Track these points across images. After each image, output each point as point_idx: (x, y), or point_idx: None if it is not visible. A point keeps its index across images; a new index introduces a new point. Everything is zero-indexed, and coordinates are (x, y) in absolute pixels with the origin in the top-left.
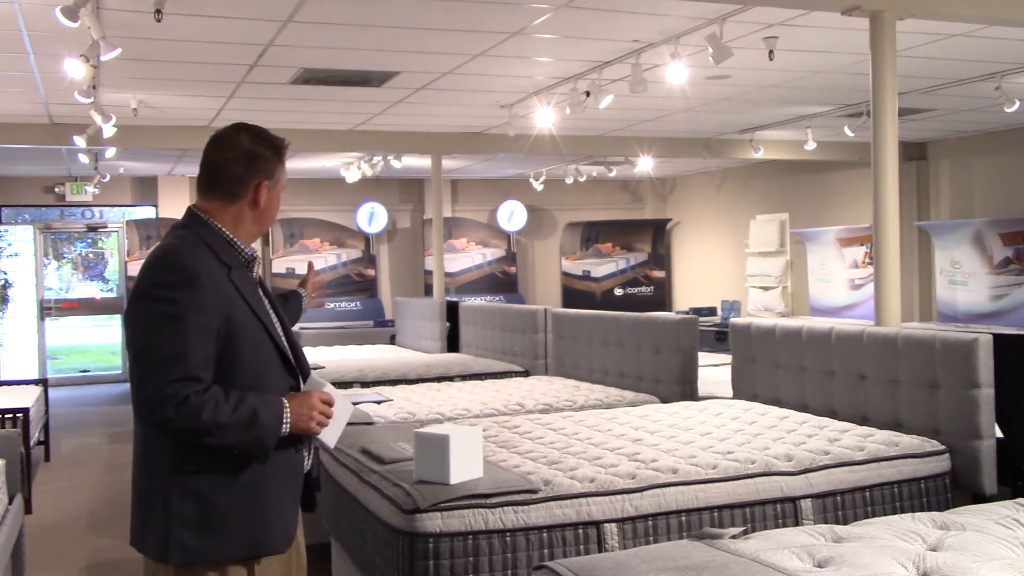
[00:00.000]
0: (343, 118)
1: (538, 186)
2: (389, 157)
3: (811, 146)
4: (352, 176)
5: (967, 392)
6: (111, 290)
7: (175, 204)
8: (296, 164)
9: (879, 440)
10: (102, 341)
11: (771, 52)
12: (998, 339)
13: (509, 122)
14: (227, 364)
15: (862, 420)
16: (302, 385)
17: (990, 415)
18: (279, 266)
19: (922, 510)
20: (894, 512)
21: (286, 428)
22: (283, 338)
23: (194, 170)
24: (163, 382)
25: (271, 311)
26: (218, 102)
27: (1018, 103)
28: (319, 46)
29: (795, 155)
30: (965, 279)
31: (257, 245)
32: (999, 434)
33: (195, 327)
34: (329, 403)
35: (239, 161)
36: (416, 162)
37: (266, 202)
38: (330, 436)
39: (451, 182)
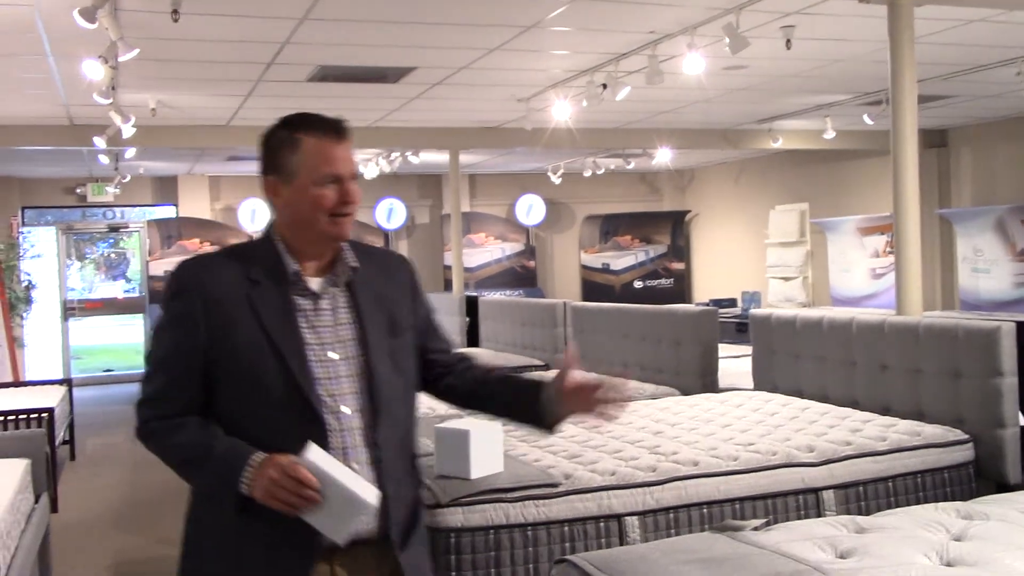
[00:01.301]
0: (361, 115)
1: (556, 179)
2: (407, 153)
3: (830, 135)
4: (370, 172)
5: (990, 381)
6: (133, 289)
7: (195, 203)
8: None
9: (901, 430)
10: (125, 340)
11: (788, 41)
12: (1021, 326)
13: (526, 116)
14: (212, 390)
15: (884, 410)
16: (330, 435)
17: (1014, 404)
18: None
19: (946, 500)
20: (917, 502)
21: (245, 487)
22: (308, 374)
23: (213, 169)
24: (139, 399)
25: (355, 341)
26: (236, 101)
27: None
28: (335, 43)
29: (814, 144)
30: (987, 267)
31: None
32: (1023, 422)
33: (174, 342)
34: (301, 480)
35: (260, 159)
36: (434, 157)
37: (290, 202)
38: (328, 524)
39: (469, 177)
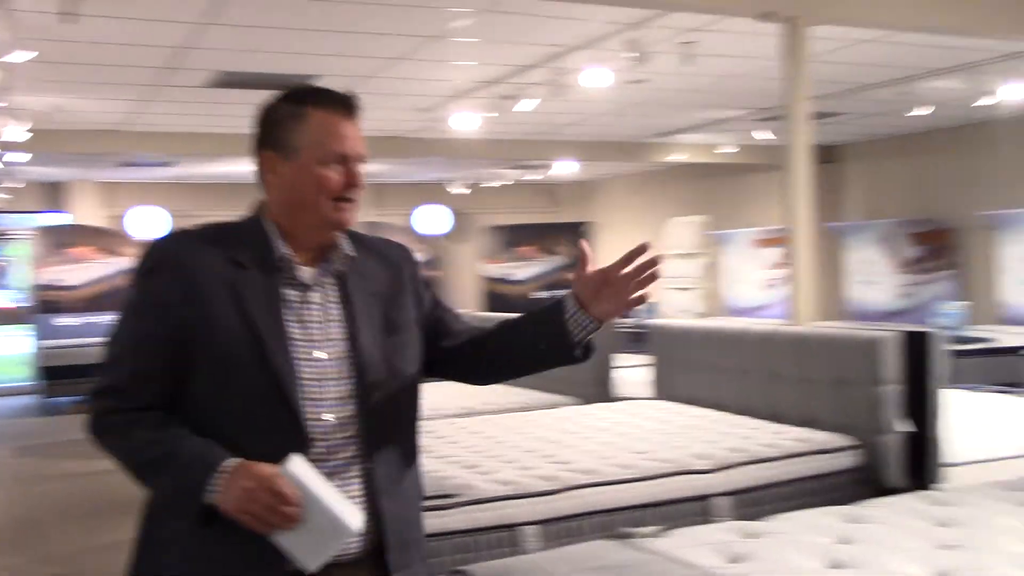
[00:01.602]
0: None
1: (460, 190)
2: None
3: (727, 150)
4: None
5: (875, 389)
6: (19, 300)
7: (88, 210)
8: (212, 169)
9: (792, 437)
10: (9, 352)
11: (689, 57)
12: (907, 336)
13: (430, 126)
14: (181, 384)
15: (776, 417)
16: (313, 443)
17: (897, 410)
18: None
19: (833, 504)
20: (806, 507)
21: (209, 496)
22: (291, 373)
23: (106, 175)
24: (95, 388)
25: (348, 336)
26: (133, 105)
27: (926, 108)
28: (236, 49)
29: (712, 158)
30: (875, 279)
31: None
32: (909, 428)
33: (142, 327)
34: (281, 494)
35: (256, 132)
36: None
37: (289, 181)
38: (302, 548)
39: (375, 186)
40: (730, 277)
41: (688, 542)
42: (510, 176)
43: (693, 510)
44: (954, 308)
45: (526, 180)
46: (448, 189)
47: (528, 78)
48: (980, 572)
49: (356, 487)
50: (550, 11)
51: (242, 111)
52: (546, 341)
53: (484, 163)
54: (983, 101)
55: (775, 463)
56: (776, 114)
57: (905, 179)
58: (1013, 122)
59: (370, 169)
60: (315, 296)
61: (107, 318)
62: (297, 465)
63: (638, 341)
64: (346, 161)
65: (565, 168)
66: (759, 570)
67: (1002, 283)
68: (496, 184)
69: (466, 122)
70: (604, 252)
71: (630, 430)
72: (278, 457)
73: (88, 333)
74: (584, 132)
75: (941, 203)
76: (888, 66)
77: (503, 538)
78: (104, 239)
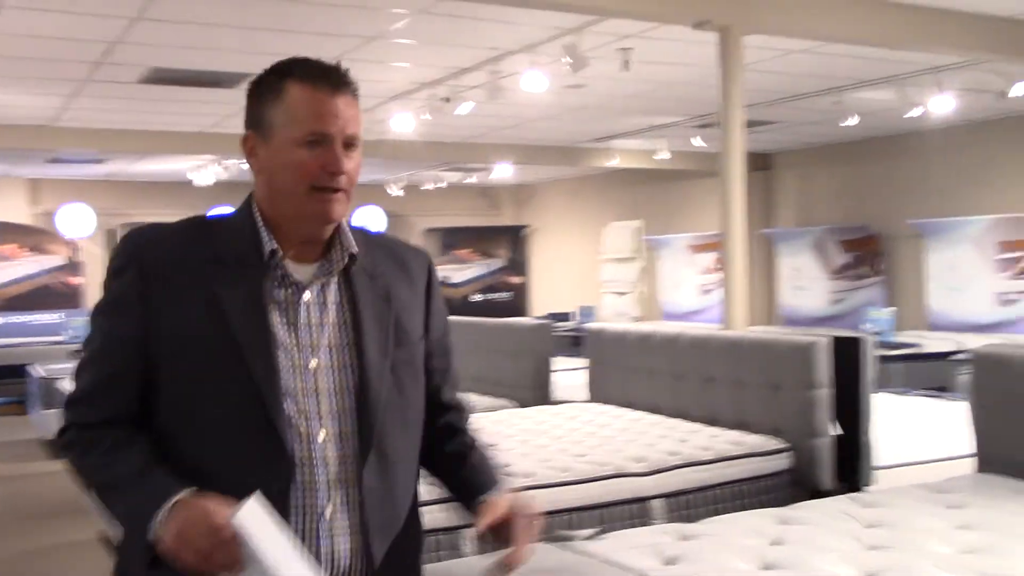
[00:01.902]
0: (195, 119)
1: (397, 192)
2: (239, 161)
3: (663, 155)
4: (202, 179)
5: (807, 392)
6: None
7: (12, 208)
8: (144, 167)
9: (726, 440)
10: None
11: (626, 63)
12: (837, 341)
13: (367, 127)
14: (151, 397)
15: (711, 421)
16: (298, 469)
17: (828, 414)
18: None
19: (766, 506)
20: (740, 509)
21: (153, 532)
22: (275, 383)
23: (33, 171)
24: (66, 398)
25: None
26: (61, 101)
27: (857, 118)
28: (169, 45)
29: (649, 164)
30: (807, 284)
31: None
32: (839, 431)
33: (107, 332)
34: (220, 539)
35: (245, 111)
36: None
37: (267, 165)
38: None
39: None
40: (666, 282)
41: (624, 544)
42: (447, 179)
43: (629, 513)
44: (883, 314)
45: (464, 183)
46: (387, 191)
47: (466, 81)
48: (907, 572)
49: (344, 519)
50: (488, 14)
51: (175, 108)
52: (459, 496)
53: (422, 165)
54: (912, 112)
55: (710, 466)
56: (712, 121)
57: (836, 187)
58: (940, 133)
59: None
60: (311, 297)
61: (34, 317)
62: (249, 510)
63: (575, 345)
64: (325, 142)
65: (503, 171)
66: (693, 572)
67: (928, 290)
68: (433, 186)
69: (404, 124)
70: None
71: (567, 433)
72: (257, 484)
73: (13, 333)
74: (522, 136)
75: (871, 211)
76: (820, 76)
77: (441, 541)
78: (31, 237)
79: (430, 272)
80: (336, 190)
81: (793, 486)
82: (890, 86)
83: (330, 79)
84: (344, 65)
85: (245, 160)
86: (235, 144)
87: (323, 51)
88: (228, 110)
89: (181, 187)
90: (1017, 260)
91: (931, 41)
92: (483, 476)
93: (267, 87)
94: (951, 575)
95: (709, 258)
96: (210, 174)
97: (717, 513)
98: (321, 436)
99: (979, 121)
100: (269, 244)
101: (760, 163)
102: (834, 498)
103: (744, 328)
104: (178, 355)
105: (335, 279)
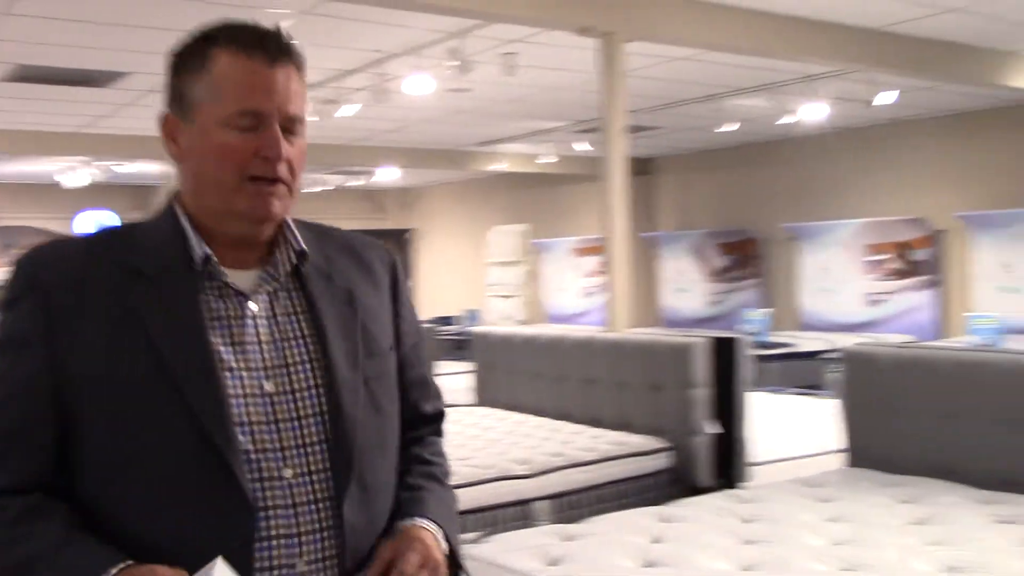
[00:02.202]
0: (66, 119)
1: None
2: (111, 163)
3: (548, 159)
4: (72, 181)
5: (686, 392)
6: None
7: None
8: (9, 168)
9: (609, 440)
10: None
11: (511, 67)
12: (716, 342)
13: None
14: (66, 451)
15: (594, 422)
16: (263, 518)
17: (706, 413)
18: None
19: (647, 504)
20: (622, 508)
21: None
22: (224, 415)
23: None
24: None
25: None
26: None
27: (734, 124)
28: (38, 42)
29: (533, 168)
30: (687, 286)
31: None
32: (717, 430)
33: (5, 376)
34: None
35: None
36: (148, 168)
37: (189, 152)
38: None
39: None
40: (550, 285)
41: (508, 547)
42: (332, 182)
43: (514, 515)
44: (759, 315)
45: (349, 186)
46: None
47: (351, 83)
48: (782, 564)
49: (321, 571)
50: (373, 16)
51: (43, 107)
52: None
53: (305, 168)
54: (785, 119)
55: (592, 466)
56: (594, 126)
57: (715, 191)
58: (813, 140)
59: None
60: (257, 308)
61: None
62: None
63: (461, 349)
64: (260, 123)
65: (388, 175)
66: (577, 572)
67: (801, 291)
68: (318, 189)
69: None
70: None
71: (452, 437)
72: (213, 540)
73: None
74: (407, 139)
75: (748, 215)
76: (699, 83)
77: None
78: None
79: (395, 270)
80: (274, 180)
81: (674, 484)
82: (764, 93)
83: (266, 47)
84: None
85: (164, 146)
86: (109, 145)
87: None
88: (100, 110)
89: (50, 189)
90: (884, 262)
91: (804, 51)
92: (417, 503)
93: (189, 56)
94: (822, 566)
95: (592, 261)
96: (82, 176)
97: (600, 513)
98: (288, 473)
99: (848, 128)
100: (200, 249)
101: (642, 168)
102: (712, 495)
103: (626, 330)
104: (98, 397)
105: (285, 284)
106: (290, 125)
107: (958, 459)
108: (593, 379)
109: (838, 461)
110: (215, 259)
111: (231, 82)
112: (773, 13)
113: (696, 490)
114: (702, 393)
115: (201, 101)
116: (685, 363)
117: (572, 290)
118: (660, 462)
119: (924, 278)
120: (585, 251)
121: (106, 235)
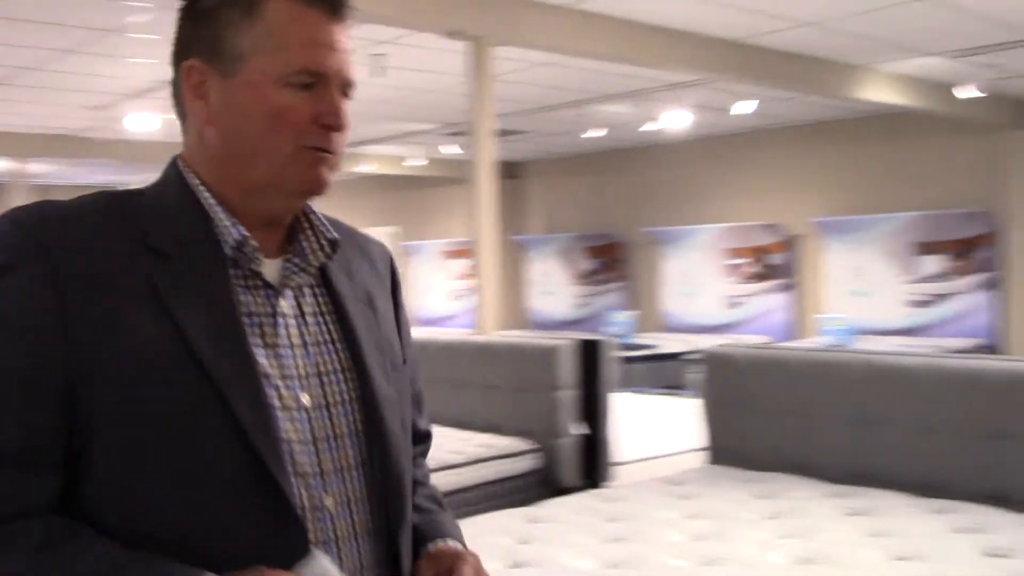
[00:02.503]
0: None
1: None
2: None
3: (416, 162)
4: None
5: (552, 394)
6: None
7: None
8: None
9: (478, 443)
10: None
11: (382, 68)
12: (581, 344)
13: (102, 125)
14: (81, 454)
15: (463, 424)
16: (319, 557)
17: (571, 414)
18: None
19: (515, 506)
20: (491, 509)
21: None
22: (273, 434)
23: None
24: None
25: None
26: None
27: (600, 130)
28: None
29: (401, 171)
30: (555, 289)
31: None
32: (583, 430)
33: (7, 367)
34: None
35: (177, 35)
36: None
37: (227, 110)
38: None
39: (40, 188)
40: (420, 287)
41: None
42: None
43: None
44: (624, 317)
45: None
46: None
47: None
48: (644, 561)
49: None
50: None
51: None
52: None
53: (164, 167)
54: (648, 126)
55: (461, 469)
56: (463, 130)
57: (582, 196)
58: (675, 147)
59: (34, 169)
60: (286, 306)
61: None
62: (318, 566)
63: None
64: (323, 82)
65: None
66: None
67: (664, 294)
68: None
69: (145, 123)
70: None
71: None
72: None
73: None
74: None
75: (613, 219)
76: (565, 89)
77: None
78: None
79: (395, 271)
80: (329, 152)
81: (541, 485)
82: (628, 100)
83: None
84: (76, 59)
85: (181, 102)
86: None
87: (52, 41)
88: None
89: None
90: (742, 266)
91: (666, 60)
92: (436, 525)
93: (203, 7)
94: (682, 562)
95: (461, 264)
96: None
97: (469, 515)
98: (328, 503)
99: (710, 136)
100: (235, 230)
101: (511, 171)
102: (578, 495)
103: (494, 332)
104: (126, 402)
105: (311, 280)
106: (347, 91)
107: (811, 455)
108: (462, 381)
109: (699, 459)
110: (253, 244)
111: (291, 35)
112: (638, 22)
113: (562, 490)
114: (568, 395)
115: (252, 52)
116: (552, 365)
117: (441, 293)
118: (528, 463)
119: (780, 281)
120: (454, 254)
121: (106, 202)
